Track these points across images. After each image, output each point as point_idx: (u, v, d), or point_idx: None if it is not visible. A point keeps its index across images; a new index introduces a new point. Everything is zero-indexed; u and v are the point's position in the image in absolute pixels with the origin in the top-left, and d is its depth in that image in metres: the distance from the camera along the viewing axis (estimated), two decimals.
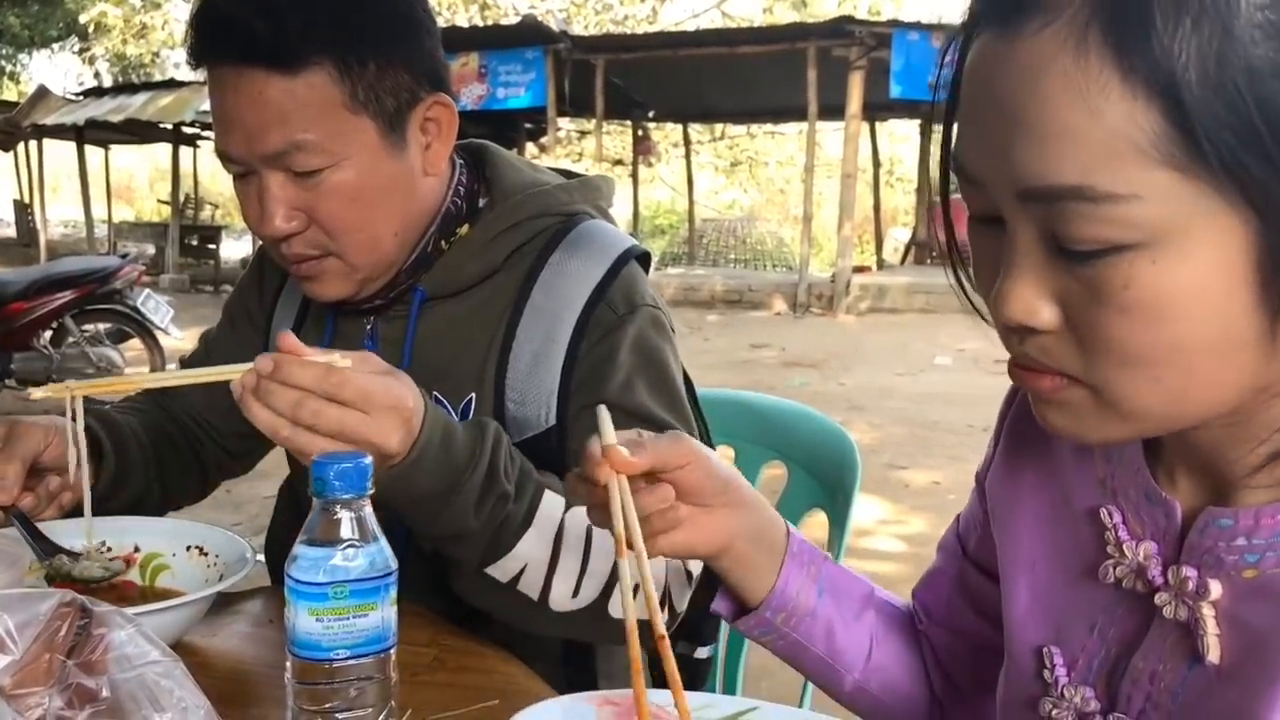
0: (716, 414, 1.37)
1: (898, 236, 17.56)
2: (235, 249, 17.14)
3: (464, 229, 1.18)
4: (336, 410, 0.86)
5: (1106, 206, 0.52)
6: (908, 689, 0.90)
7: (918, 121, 14.66)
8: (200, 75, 1.09)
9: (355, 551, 0.70)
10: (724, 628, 1.42)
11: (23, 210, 17.61)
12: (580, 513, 1.02)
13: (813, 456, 1.42)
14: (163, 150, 16.98)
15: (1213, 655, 0.61)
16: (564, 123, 16.60)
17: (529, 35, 12.19)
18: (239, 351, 1.19)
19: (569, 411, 1.12)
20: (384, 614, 0.71)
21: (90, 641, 0.63)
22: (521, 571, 1.01)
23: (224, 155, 1.08)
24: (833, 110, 11.83)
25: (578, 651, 1.21)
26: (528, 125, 15.02)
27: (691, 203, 17.87)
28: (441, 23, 1.69)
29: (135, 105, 13.64)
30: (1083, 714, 0.69)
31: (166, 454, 1.29)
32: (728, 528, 0.80)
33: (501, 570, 1.01)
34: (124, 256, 6.71)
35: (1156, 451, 0.67)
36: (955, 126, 0.60)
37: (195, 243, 15.01)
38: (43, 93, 14.78)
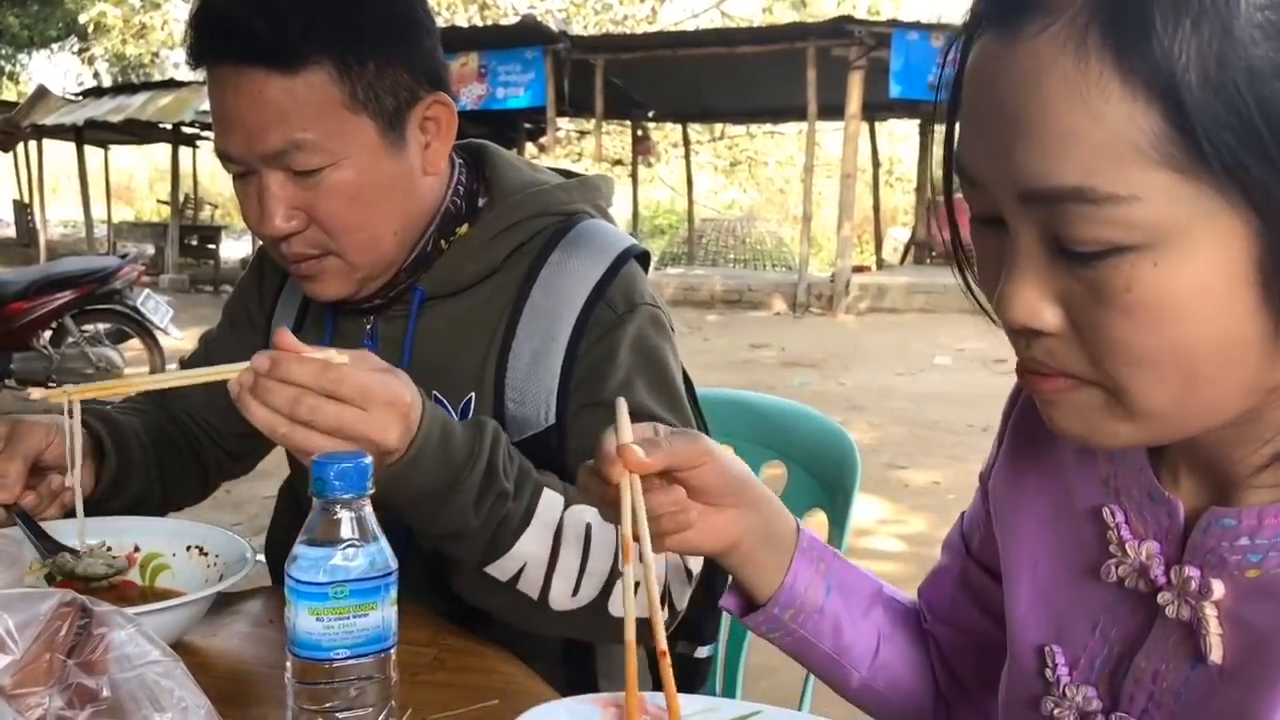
0: (716, 414, 1.37)
1: (897, 236, 17.57)
2: (235, 249, 17.14)
3: (463, 228, 1.18)
4: (334, 406, 0.86)
5: (1108, 208, 0.52)
6: (914, 686, 0.90)
7: (917, 121, 14.67)
8: (200, 75, 1.09)
9: (355, 551, 0.70)
10: (724, 627, 1.42)
11: (22, 210, 17.59)
12: (579, 511, 1.02)
13: (812, 456, 1.42)
14: (162, 150, 16.99)
15: (1215, 655, 0.61)
16: (563, 123, 16.60)
17: (528, 35, 12.19)
18: (239, 352, 1.18)
19: (568, 410, 1.12)
20: (384, 614, 0.71)
21: (90, 641, 0.63)
22: (521, 570, 1.01)
23: (224, 155, 1.08)
24: (832, 110, 11.84)
25: (578, 651, 1.21)
26: (527, 125, 15.02)
27: (691, 203, 17.87)
28: (441, 23, 1.68)
29: (135, 105, 13.65)
30: (1085, 713, 0.69)
31: (167, 454, 1.29)
32: (738, 527, 0.80)
33: (501, 569, 1.01)
34: (124, 256, 6.69)
35: (1159, 451, 0.67)
36: (956, 127, 0.60)
37: (195, 243, 15.00)
38: (42, 93, 14.77)
